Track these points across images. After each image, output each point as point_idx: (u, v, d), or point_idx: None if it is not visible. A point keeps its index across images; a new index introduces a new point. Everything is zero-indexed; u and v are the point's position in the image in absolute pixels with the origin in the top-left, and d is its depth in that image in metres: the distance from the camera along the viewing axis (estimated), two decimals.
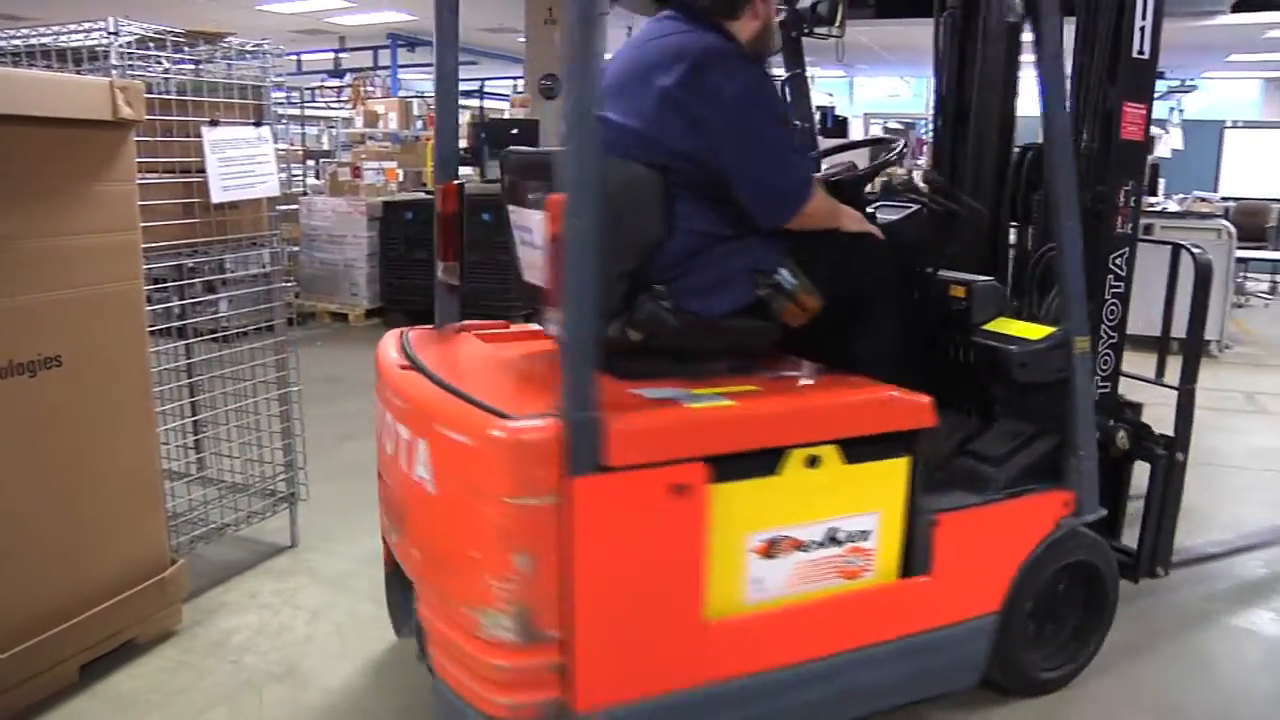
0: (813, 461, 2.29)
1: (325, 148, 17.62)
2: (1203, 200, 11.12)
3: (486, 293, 8.11)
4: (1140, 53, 3.05)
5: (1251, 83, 20.41)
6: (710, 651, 2.23)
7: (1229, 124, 13.21)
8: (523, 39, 12.80)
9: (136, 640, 3.03)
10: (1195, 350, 3.37)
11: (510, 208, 2.59)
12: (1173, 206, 8.75)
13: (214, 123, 3.41)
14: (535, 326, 2.96)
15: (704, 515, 2.15)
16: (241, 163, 3.45)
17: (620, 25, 13.35)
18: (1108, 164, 3.15)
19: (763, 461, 2.24)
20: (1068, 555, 2.84)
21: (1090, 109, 3.22)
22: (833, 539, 2.37)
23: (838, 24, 3.29)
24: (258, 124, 3.57)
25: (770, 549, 2.29)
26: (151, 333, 3.16)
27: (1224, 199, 11.64)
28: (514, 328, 3.15)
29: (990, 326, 2.83)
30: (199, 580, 3.46)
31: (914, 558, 2.52)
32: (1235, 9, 11.88)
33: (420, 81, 20.95)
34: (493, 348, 2.86)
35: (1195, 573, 3.87)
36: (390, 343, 2.85)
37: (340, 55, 16.83)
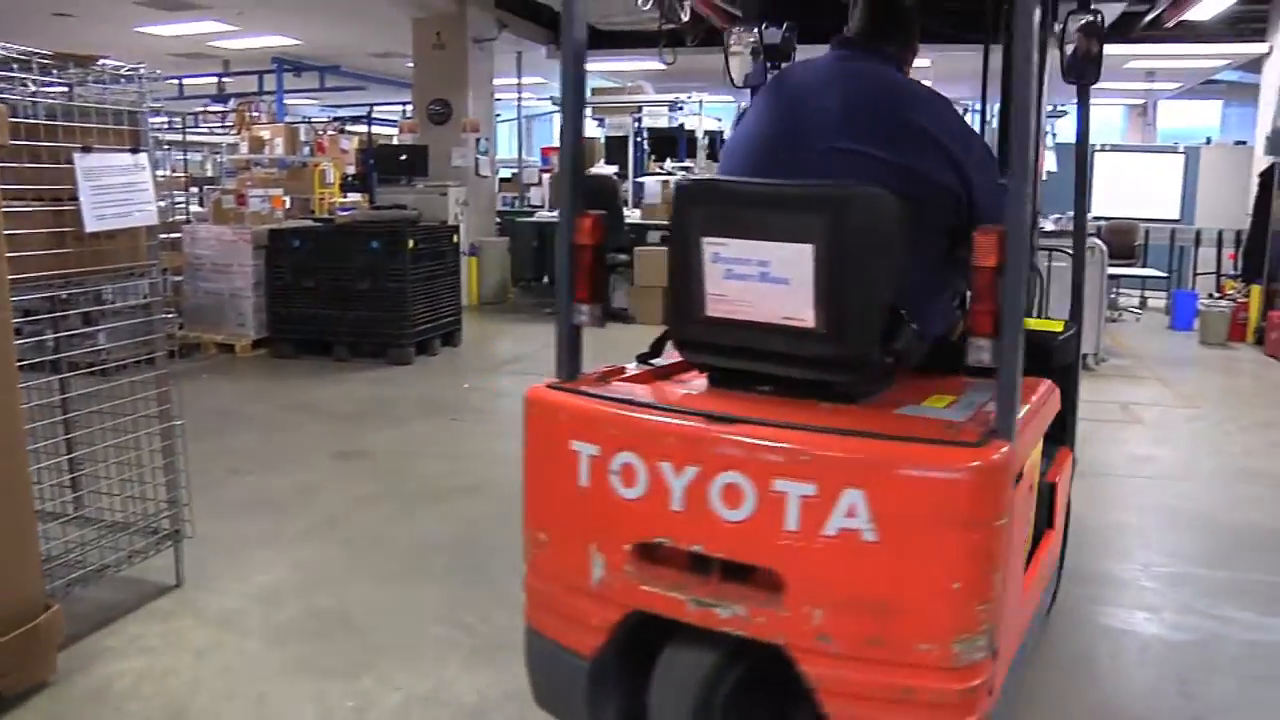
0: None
1: (210, 174, 17.20)
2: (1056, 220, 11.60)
3: (379, 321, 8.00)
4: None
5: (1116, 109, 21.47)
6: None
7: (1099, 147, 13.78)
8: (411, 64, 12.72)
9: (2, 695, 2.87)
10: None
11: (708, 239, 2.36)
12: (1049, 226, 9.07)
13: (87, 149, 3.29)
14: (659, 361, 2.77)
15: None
16: (117, 190, 3.33)
17: (510, 52, 13.38)
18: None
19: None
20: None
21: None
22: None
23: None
24: (135, 150, 3.45)
25: None
26: (23, 367, 3.02)
27: (1095, 218, 12.15)
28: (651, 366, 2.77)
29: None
30: (77, 625, 3.30)
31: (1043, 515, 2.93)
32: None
33: (307, 106, 20.60)
34: (702, 386, 2.59)
35: (1071, 575, 4.00)
36: (604, 415, 2.36)
37: (224, 80, 16.46)
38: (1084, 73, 3.50)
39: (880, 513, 2.04)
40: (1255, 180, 10.61)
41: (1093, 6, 3.22)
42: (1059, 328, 3.35)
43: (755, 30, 3.44)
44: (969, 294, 2.17)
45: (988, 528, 2.04)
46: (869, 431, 2.15)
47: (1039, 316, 3.72)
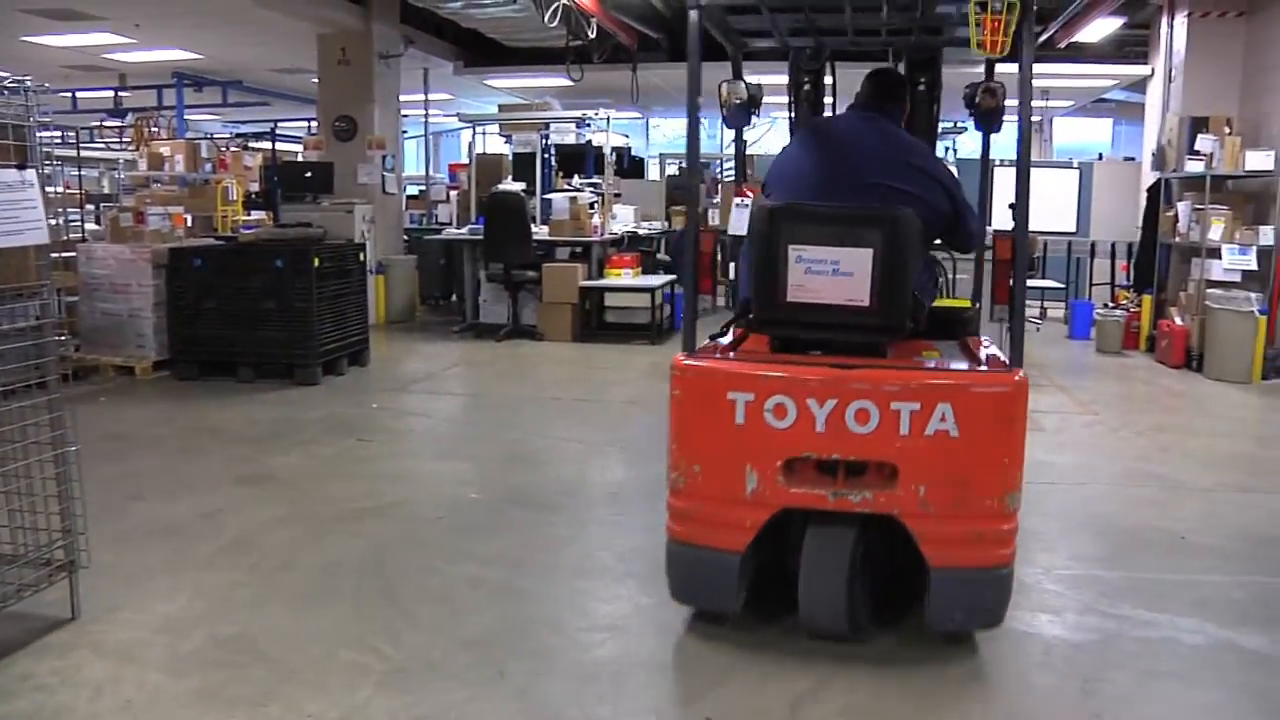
0: None
1: (107, 191, 16.72)
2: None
3: (285, 341, 7.84)
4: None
5: (1013, 125, 22.10)
6: None
7: (997, 163, 14.17)
8: (316, 79, 12.54)
9: None
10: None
11: (793, 245, 3.36)
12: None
13: None
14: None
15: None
16: (2, 208, 3.21)
17: (417, 68, 13.28)
18: None
19: None
20: None
21: None
22: None
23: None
24: (22, 166, 3.33)
25: None
26: None
27: (996, 231, 12.48)
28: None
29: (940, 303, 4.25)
30: None
31: None
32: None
33: (208, 122, 20.14)
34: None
35: None
36: (746, 372, 3.40)
37: (121, 94, 15.98)
38: (990, 123, 4.59)
39: (961, 417, 3.22)
40: (1144, 195, 11.03)
41: (994, 82, 4.39)
42: (967, 304, 4.39)
43: (742, 84, 4.38)
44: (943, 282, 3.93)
45: (1021, 421, 3.31)
46: (946, 367, 3.51)
47: (950, 298, 4.62)
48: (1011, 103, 3.98)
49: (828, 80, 4.83)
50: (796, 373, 3.34)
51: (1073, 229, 13.42)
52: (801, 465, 3.33)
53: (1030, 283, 11.31)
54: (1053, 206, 13.62)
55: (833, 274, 3.37)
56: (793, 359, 3.43)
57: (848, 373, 3.30)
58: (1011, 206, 3.67)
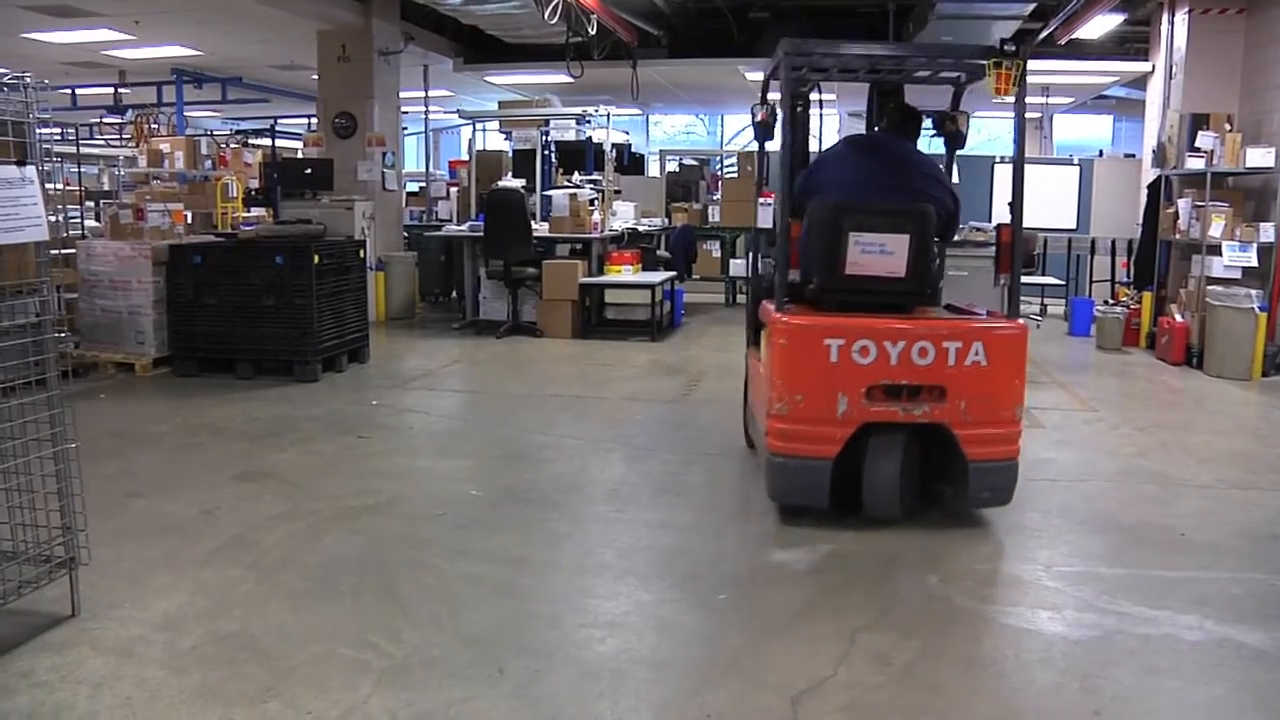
0: None
1: (106, 188, 16.70)
2: (978, 230, 11.87)
3: (284, 338, 7.84)
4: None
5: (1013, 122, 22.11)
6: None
7: (998, 159, 14.17)
8: (315, 76, 12.52)
9: None
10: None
11: (853, 233, 4.62)
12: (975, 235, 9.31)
13: None
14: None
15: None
16: (3, 205, 3.21)
17: (417, 65, 13.26)
18: None
19: None
20: None
21: None
22: None
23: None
24: (21, 163, 3.34)
25: None
26: None
27: (996, 228, 12.47)
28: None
29: None
30: None
31: None
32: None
33: (208, 119, 20.12)
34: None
35: (975, 578, 4.10)
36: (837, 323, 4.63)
37: (121, 90, 15.96)
38: (955, 144, 5.60)
39: (989, 352, 4.54)
40: (1144, 192, 11.02)
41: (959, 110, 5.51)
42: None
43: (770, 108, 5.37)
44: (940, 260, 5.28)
45: (1024, 354, 4.68)
46: (972, 318, 4.81)
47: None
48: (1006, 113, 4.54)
49: (813, 96, 6.20)
50: (875, 323, 4.57)
51: (1073, 226, 13.43)
52: (877, 391, 4.55)
53: (1030, 280, 11.45)
54: (1053, 203, 13.63)
55: (879, 253, 4.67)
56: (855, 314, 4.65)
57: (914, 321, 4.61)
58: (1010, 205, 4.93)
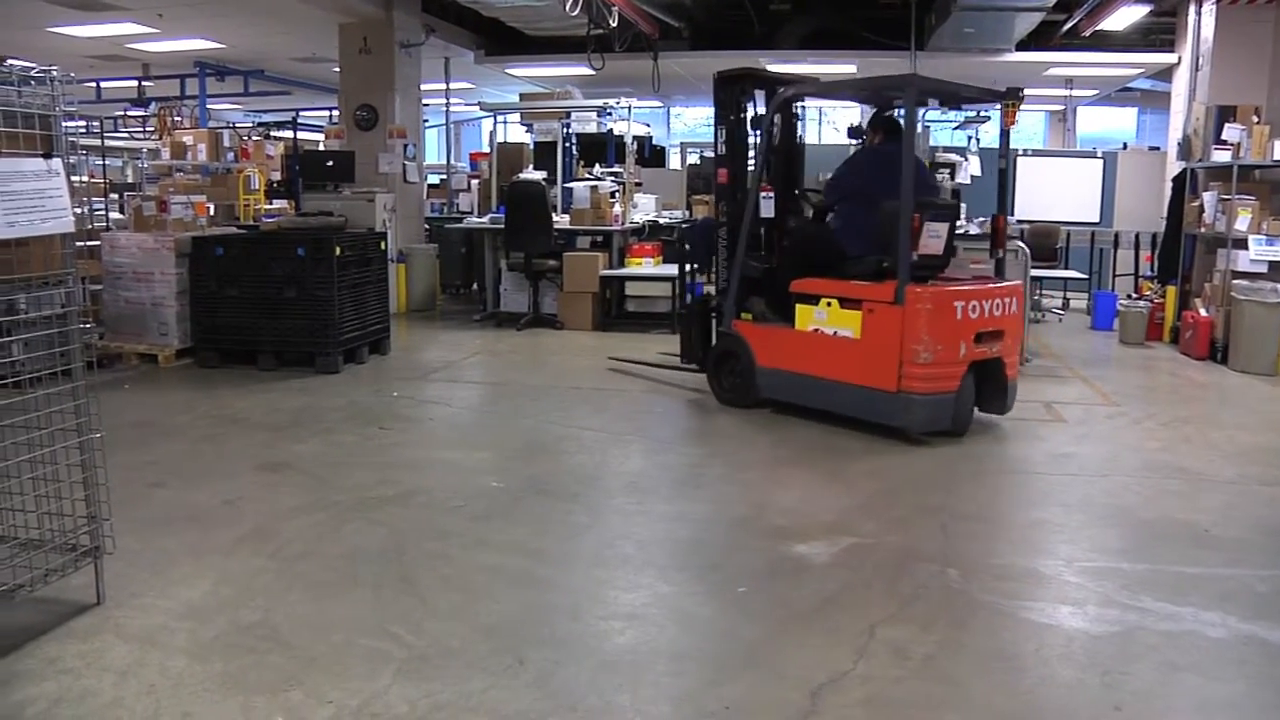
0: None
1: (130, 180, 16.81)
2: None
3: (306, 329, 7.89)
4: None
5: (1037, 115, 21.98)
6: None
7: (1021, 152, 14.09)
8: (337, 69, 12.56)
9: None
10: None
11: (928, 222, 6.05)
12: (974, 230, 9.24)
13: None
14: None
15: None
16: (29, 196, 3.23)
17: (438, 57, 13.28)
18: None
19: None
20: None
21: None
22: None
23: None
24: (48, 155, 3.36)
25: None
26: None
27: (1019, 222, 12.41)
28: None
29: None
30: None
31: None
32: (1018, 48, 12.78)
33: (230, 111, 20.22)
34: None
35: (996, 572, 4.09)
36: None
37: (144, 83, 16.08)
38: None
39: (1017, 304, 6.42)
40: (1169, 185, 10.93)
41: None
42: None
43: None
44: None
45: (1023, 303, 6.79)
46: (1005, 282, 6.51)
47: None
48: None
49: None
50: (978, 288, 6.15)
51: (1096, 219, 13.34)
52: (980, 336, 6.09)
53: (1052, 273, 11.42)
54: (1076, 196, 13.53)
55: (935, 238, 6.18)
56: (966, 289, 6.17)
57: (994, 287, 6.25)
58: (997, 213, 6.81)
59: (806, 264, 6.59)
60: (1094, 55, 13.15)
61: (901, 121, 6.40)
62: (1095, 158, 14.00)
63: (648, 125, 18.21)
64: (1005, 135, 6.74)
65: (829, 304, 6.26)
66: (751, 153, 7.22)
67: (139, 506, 4.59)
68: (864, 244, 6.33)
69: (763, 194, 6.69)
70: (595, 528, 4.62)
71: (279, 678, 3.15)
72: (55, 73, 3.39)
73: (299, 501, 4.87)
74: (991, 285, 6.21)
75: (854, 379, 6.14)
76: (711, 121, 7.39)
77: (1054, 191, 13.46)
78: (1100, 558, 4.33)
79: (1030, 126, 22.22)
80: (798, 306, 6.44)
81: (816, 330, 6.33)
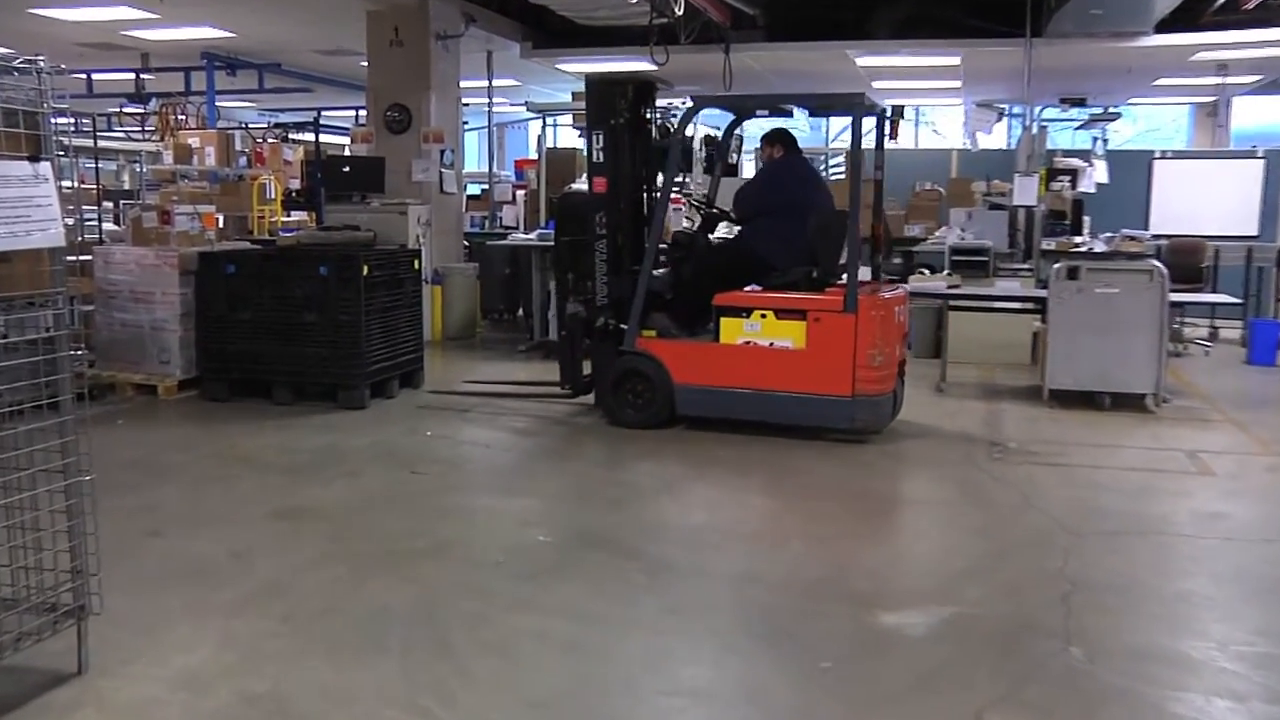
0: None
1: (127, 187, 17.13)
2: (1131, 239, 11.61)
3: (328, 359, 7.97)
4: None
5: (1180, 109, 21.54)
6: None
7: (1158, 154, 13.89)
8: (365, 63, 12.73)
9: None
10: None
11: (837, 236, 7.24)
12: (1099, 246, 9.11)
13: None
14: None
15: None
16: (12, 205, 3.27)
17: (479, 51, 13.43)
18: None
19: None
20: None
21: None
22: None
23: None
24: (34, 158, 3.40)
25: None
26: None
27: (1155, 237, 12.19)
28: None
29: None
30: None
31: None
32: (1158, 30, 12.56)
33: (243, 110, 20.59)
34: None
35: (1136, 653, 3.97)
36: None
37: (143, 76, 16.23)
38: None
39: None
40: None
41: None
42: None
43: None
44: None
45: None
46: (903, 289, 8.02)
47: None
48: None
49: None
50: (900, 294, 7.46)
51: (1254, 232, 13.02)
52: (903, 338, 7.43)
53: (1197, 297, 11.18)
54: (1228, 205, 13.20)
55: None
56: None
57: (904, 293, 7.60)
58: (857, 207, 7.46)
59: (721, 278, 7.36)
60: (1257, 33, 12.71)
61: (793, 133, 8.04)
62: (1255, 158, 13.70)
63: (717, 129, 18.24)
64: (866, 143, 7.60)
65: (763, 316, 6.98)
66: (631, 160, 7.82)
67: (132, 559, 4.64)
68: (790, 256, 7.25)
69: (673, 207, 7.96)
70: (653, 588, 4.58)
71: None
72: (43, 63, 3.40)
73: (317, 554, 4.90)
74: (902, 290, 7.65)
75: (798, 388, 6.94)
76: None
77: (1200, 200, 13.21)
78: (1262, 641, 4.18)
79: (1172, 122, 21.85)
80: (722, 320, 7.13)
81: (749, 343, 7.05)
